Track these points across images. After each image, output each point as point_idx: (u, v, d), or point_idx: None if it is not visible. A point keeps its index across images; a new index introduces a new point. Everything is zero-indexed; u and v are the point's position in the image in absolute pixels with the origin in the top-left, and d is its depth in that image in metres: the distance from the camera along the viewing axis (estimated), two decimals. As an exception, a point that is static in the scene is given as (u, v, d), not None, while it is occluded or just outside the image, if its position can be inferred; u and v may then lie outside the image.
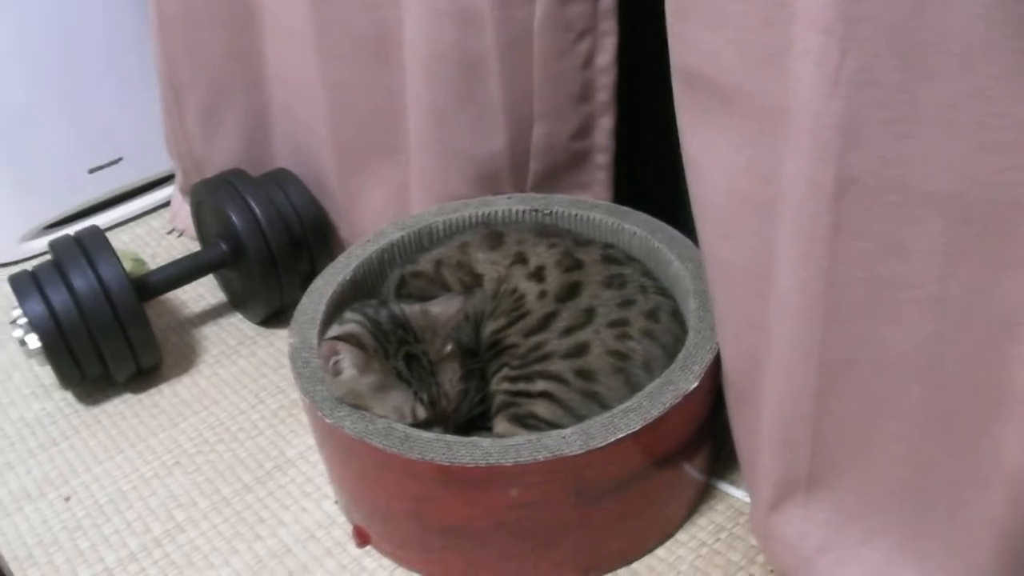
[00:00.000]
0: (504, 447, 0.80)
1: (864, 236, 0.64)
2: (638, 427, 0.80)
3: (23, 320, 1.11)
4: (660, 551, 0.91)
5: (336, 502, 0.99)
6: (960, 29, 0.54)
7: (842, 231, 0.64)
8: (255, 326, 1.27)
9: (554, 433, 0.81)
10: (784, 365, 0.73)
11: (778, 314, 0.72)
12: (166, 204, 1.52)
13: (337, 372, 0.85)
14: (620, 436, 0.79)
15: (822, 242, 0.65)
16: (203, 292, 1.33)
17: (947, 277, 0.62)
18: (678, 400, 0.82)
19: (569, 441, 0.79)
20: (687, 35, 0.72)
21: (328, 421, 0.84)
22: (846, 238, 0.64)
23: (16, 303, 1.12)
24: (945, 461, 0.68)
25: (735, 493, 0.96)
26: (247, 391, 1.16)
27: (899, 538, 0.74)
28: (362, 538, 0.94)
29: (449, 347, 0.87)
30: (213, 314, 1.30)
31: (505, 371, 0.90)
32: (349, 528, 0.96)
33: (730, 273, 0.78)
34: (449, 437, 0.81)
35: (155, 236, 1.48)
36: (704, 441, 0.92)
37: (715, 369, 0.86)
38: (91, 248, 1.13)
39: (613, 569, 0.90)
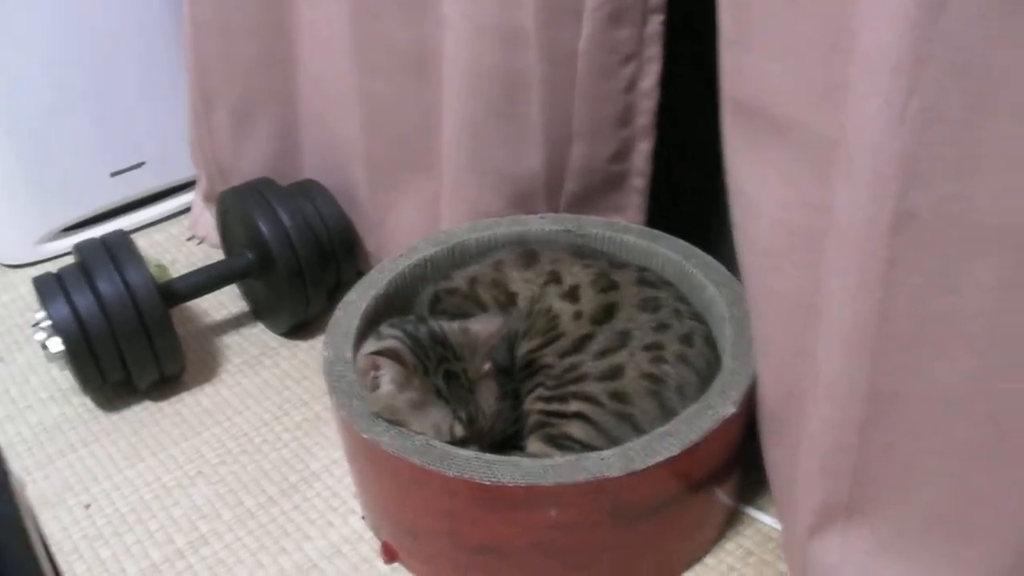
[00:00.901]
0: (544, 467, 0.80)
1: (920, 271, 0.64)
2: (677, 451, 0.80)
3: (47, 323, 1.10)
4: (688, 574, 0.91)
5: (363, 517, 0.99)
6: None
7: (897, 265, 0.64)
8: (278, 337, 1.26)
9: (594, 455, 0.81)
10: (830, 395, 0.73)
11: (826, 344, 0.72)
12: (185, 210, 1.51)
13: (375, 387, 0.85)
14: (660, 460, 0.80)
15: (876, 276, 0.65)
16: (224, 300, 1.32)
17: (1000, 311, 0.63)
18: (717, 425, 0.82)
19: (609, 463, 0.79)
20: (743, 65, 0.72)
21: (365, 436, 0.83)
22: (901, 272, 0.65)
23: (39, 306, 1.11)
24: (991, 495, 0.69)
25: (763, 519, 0.96)
26: (270, 402, 1.16)
27: (938, 571, 0.75)
28: (390, 554, 0.94)
29: (487, 366, 0.87)
30: (235, 323, 1.29)
31: (539, 391, 0.90)
32: (377, 544, 0.96)
33: (775, 302, 0.78)
34: (488, 456, 0.81)
35: (174, 242, 1.47)
36: (736, 466, 0.92)
37: (751, 395, 0.86)
38: (118, 252, 1.12)
39: (643, 591, 0.90)
